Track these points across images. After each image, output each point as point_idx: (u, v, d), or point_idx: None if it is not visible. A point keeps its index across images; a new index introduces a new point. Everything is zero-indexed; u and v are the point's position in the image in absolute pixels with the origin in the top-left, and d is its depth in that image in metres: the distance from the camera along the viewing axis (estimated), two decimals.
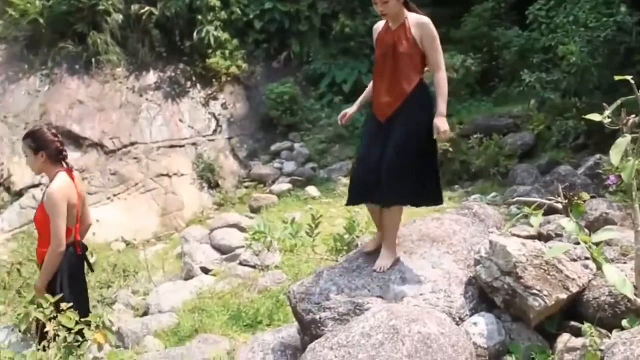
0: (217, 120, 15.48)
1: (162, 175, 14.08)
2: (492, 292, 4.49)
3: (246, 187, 14.30)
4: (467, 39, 15.23)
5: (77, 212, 4.89)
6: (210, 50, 15.66)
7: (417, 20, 4.84)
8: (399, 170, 4.81)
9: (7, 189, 13.68)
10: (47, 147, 4.85)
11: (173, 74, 15.79)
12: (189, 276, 9.27)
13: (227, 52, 15.74)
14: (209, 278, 8.80)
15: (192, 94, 15.65)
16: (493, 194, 11.08)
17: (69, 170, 4.92)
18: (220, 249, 10.42)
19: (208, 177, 14.36)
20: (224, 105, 15.71)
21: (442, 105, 4.75)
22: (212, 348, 5.99)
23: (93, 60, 15.36)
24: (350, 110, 5.28)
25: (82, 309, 4.44)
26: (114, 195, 13.59)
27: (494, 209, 6.12)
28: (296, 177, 13.75)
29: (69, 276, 4.68)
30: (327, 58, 16.37)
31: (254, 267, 8.63)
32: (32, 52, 15.75)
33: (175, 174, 14.20)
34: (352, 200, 5.12)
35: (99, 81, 15.35)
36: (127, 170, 13.89)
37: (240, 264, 8.94)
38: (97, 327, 3.40)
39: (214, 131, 15.34)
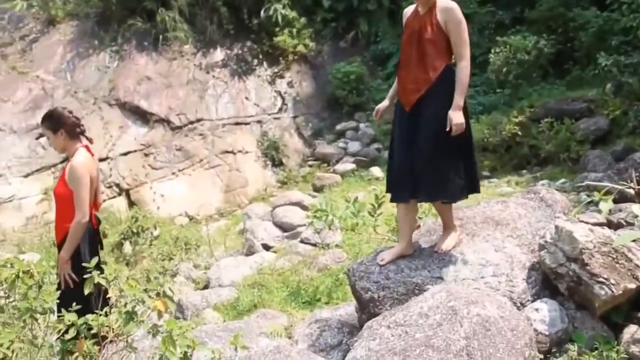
0: (283, 98, 15.44)
1: (227, 152, 14.13)
2: (556, 278, 4.34)
3: (310, 166, 14.25)
4: (542, 20, 14.72)
5: (95, 187, 4.95)
6: (277, 29, 15.59)
7: (444, 5, 4.66)
8: (431, 164, 4.65)
9: None
10: (64, 123, 4.92)
11: (240, 52, 15.79)
12: (250, 252, 9.28)
13: (294, 30, 15.64)
14: (269, 255, 8.78)
15: (258, 72, 15.64)
16: (562, 180, 10.73)
17: (88, 147, 4.98)
18: (282, 227, 10.39)
19: (272, 155, 14.36)
20: (290, 84, 15.65)
21: (459, 97, 4.58)
22: (270, 323, 6.02)
23: (161, 37, 15.47)
24: (383, 104, 5.09)
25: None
26: (179, 170, 13.71)
27: (563, 195, 5.87)
28: (361, 157, 13.61)
29: (89, 249, 4.74)
30: (395, 38, 16.04)
31: (314, 245, 8.57)
32: (102, 29, 16.00)
33: (240, 151, 14.24)
34: (396, 198, 5.00)
35: (167, 58, 15.48)
36: (192, 146, 13.98)
37: (301, 241, 8.89)
38: (157, 295, 3.36)
39: (280, 109, 15.30)
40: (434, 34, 4.63)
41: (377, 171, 12.87)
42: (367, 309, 4.81)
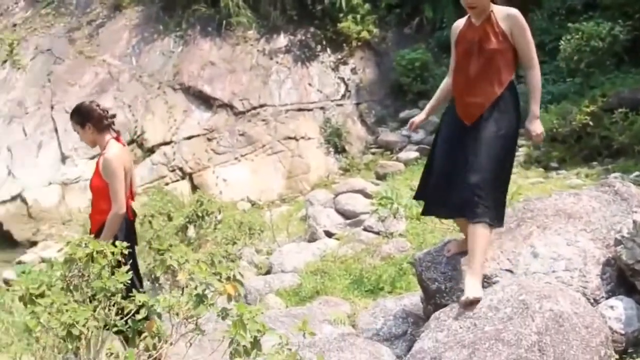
0: (347, 85, 15.34)
1: (290, 138, 14.14)
2: (633, 275, 4.18)
3: (373, 154, 14.14)
4: (617, 5, 14.19)
5: (130, 179, 5.00)
6: (341, 15, 15.47)
7: (505, 12, 4.36)
8: (491, 181, 4.34)
9: (140, 146, 14.16)
10: (91, 117, 4.92)
11: (303, 38, 15.75)
12: (312, 239, 9.24)
13: (358, 16, 15.50)
14: (332, 242, 8.73)
15: (322, 58, 15.57)
16: (637, 173, 10.38)
17: (118, 138, 5.00)
18: (345, 214, 10.32)
19: (335, 141, 14.29)
20: (353, 71, 15.54)
21: (535, 107, 4.35)
22: (333, 310, 5.99)
23: (225, 22, 15.54)
24: (419, 118, 4.88)
25: (136, 273, 4.71)
26: (242, 155, 13.79)
27: (639, 189, 5.66)
28: (424, 145, 13.41)
29: (126, 239, 4.48)
30: None
31: (377, 233, 8.47)
32: (167, 14, 16.17)
33: (302, 137, 14.23)
34: (428, 211, 4.85)
35: (230, 43, 15.55)
36: (255, 131, 14.04)
37: (365, 229, 8.79)
38: (228, 279, 3.36)
39: (343, 96, 15.21)
40: (500, 44, 4.34)
41: None
42: (434, 300, 4.72)
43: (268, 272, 8.12)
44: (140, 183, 13.56)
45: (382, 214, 7.84)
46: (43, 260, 11.44)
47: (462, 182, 4.36)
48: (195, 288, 3.45)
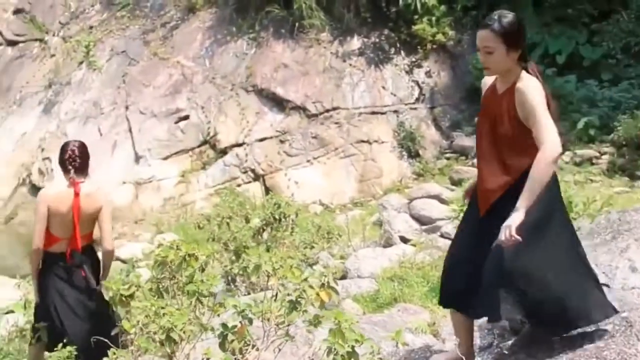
0: (421, 88, 15.10)
1: (363, 141, 13.98)
2: None
3: (447, 159, 13.88)
4: None
5: (73, 222, 5.08)
6: (416, 17, 15.22)
7: (519, 85, 3.58)
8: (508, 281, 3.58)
9: (213, 147, 14.23)
10: (60, 157, 5.26)
11: (377, 40, 15.57)
12: (387, 244, 9.10)
13: (433, 18, 15.23)
14: (408, 248, 8.55)
15: (395, 61, 15.37)
16: None
17: (73, 183, 5.11)
18: (420, 220, 10.17)
19: (409, 146, 14.08)
20: (428, 74, 15.28)
21: (525, 199, 3.43)
22: (413, 318, 5.80)
23: (297, 24, 15.50)
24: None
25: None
26: (314, 158, 13.70)
27: None
28: None
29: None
30: (540, 27, 15.34)
31: None
32: (240, 16, 16.21)
33: (375, 141, 14.05)
34: (444, 302, 4.31)
35: (304, 45, 15.49)
36: (328, 134, 13.92)
37: (442, 236, 8.62)
38: (322, 285, 3.25)
39: (417, 100, 14.98)
40: (511, 128, 3.63)
41: None
42: None
43: (343, 277, 7.97)
44: (212, 184, 13.65)
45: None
46: (117, 259, 11.52)
47: (474, 279, 3.73)
48: (288, 294, 3.37)
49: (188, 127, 14.58)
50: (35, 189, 14.78)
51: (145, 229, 12.98)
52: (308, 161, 13.64)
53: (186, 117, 14.73)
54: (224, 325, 3.24)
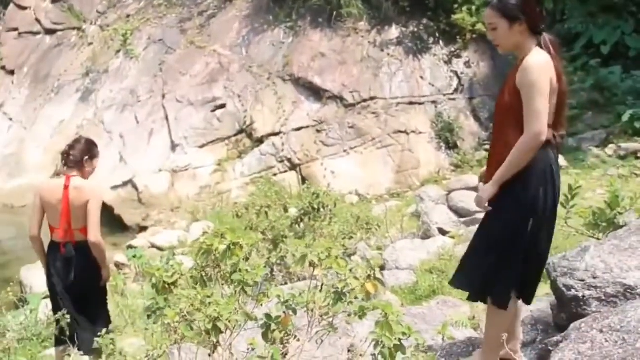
0: (460, 79, 14.89)
1: (400, 132, 13.83)
2: None
3: (486, 150, 13.64)
4: None
5: (60, 212, 5.39)
6: (456, 6, 15.02)
7: (525, 61, 3.65)
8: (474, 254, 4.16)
9: (250, 136, 14.19)
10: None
11: (416, 30, 15.39)
12: (426, 236, 9.00)
13: (473, 8, 14.99)
14: (447, 240, 8.45)
15: (434, 51, 15.18)
16: None
17: (66, 177, 5.45)
18: (458, 212, 10.02)
19: (447, 137, 13.90)
20: (467, 64, 15.07)
21: (499, 173, 3.72)
22: (453, 311, 5.81)
23: (335, 13, 15.39)
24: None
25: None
26: (351, 148, 13.59)
27: None
28: None
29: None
30: (584, 16, 15.02)
31: None
32: (277, 5, 16.16)
33: (413, 131, 13.89)
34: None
35: (341, 35, 15.36)
36: (365, 124, 13.80)
37: None
38: (368, 277, 3.19)
39: (455, 90, 14.77)
40: (510, 99, 3.72)
41: (560, 160, 12.10)
42: (569, 308, 4.42)
43: (381, 268, 7.91)
44: (248, 173, 13.62)
45: None
46: (153, 246, 11.58)
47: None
48: (334, 285, 3.30)
49: (224, 116, 14.56)
50: None
51: (181, 216, 12.99)
52: (345, 151, 13.53)
53: (223, 106, 14.71)
54: (268, 315, 3.18)
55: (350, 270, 3.37)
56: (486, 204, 3.91)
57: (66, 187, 5.34)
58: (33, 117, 16.63)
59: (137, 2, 18.03)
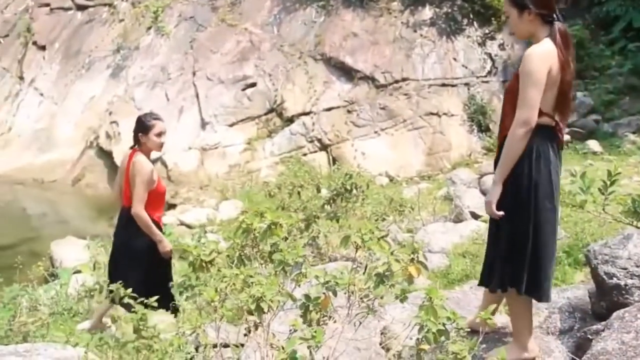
0: (493, 61, 14.65)
1: (432, 114, 13.65)
2: None
3: None
4: None
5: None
6: None
7: (527, 51, 3.68)
8: (494, 246, 4.00)
9: (280, 115, 14.12)
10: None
11: (449, 11, 15.16)
12: (458, 219, 8.87)
13: None
14: (479, 223, 8.31)
15: (468, 32, 14.94)
16: None
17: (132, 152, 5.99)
18: None
19: (479, 119, 13.70)
20: (501, 46, 14.81)
21: (498, 172, 3.75)
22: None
23: None
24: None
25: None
26: (382, 129, 13.45)
27: None
28: (576, 128, 12.61)
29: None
30: None
31: None
32: None
33: (445, 113, 13.71)
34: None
35: (373, 15, 15.20)
36: (396, 105, 13.65)
37: None
38: (411, 260, 3.12)
39: (489, 73, 14.53)
40: (513, 84, 3.79)
41: (594, 145, 11.88)
42: (609, 297, 4.34)
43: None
44: (278, 152, 13.56)
45: None
46: (182, 223, 11.59)
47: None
48: (376, 267, 3.24)
49: (255, 95, 14.50)
50: (102, 152, 14.98)
51: (210, 194, 12.98)
52: (375, 132, 13.40)
53: (253, 85, 14.64)
54: (307, 296, 3.12)
55: (392, 253, 3.30)
56: (494, 208, 3.77)
57: (128, 161, 5.95)
58: (64, 93, 16.70)
59: None
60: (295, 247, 3.14)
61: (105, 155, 14.81)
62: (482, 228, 8.04)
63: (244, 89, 14.67)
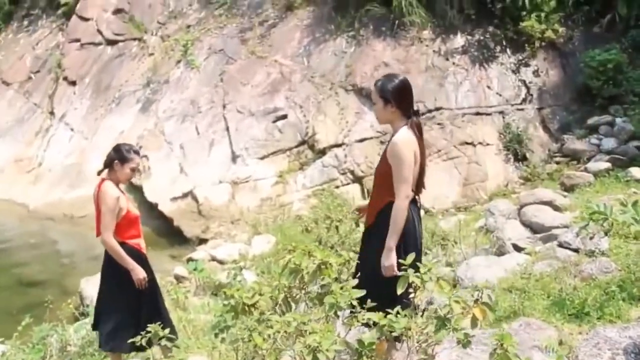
0: (528, 88, 14.34)
1: (467, 143, 13.36)
2: None
3: (557, 163, 13.06)
4: None
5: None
6: (524, 13, 14.48)
7: (393, 138, 4.59)
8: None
9: (312, 147, 13.93)
10: None
11: (482, 38, 14.94)
12: (500, 252, 8.54)
13: (542, 14, 14.43)
14: (523, 257, 7.97)
15: (501, 59, 14.68)
16: None
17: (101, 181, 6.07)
18: (532, 227, 9.51)
19: (515, 148, 13.36)
20: (536, 73, 14.52)
21: (390, 239, 4.40)
22: (538, 335, 5.40)
23: (397, 22, 15.09)
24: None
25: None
26: None
27: None
28: (617, 155, 12.25)
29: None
30: None
31: (576, 251, 7.63)
32: (339, 14, 15.96)
33: (480, 143, 13.41)
34: None
35: (404, 44, 15.05)
36: (430, 135, 13.35)
37: (560, 245, 7.97)
38: (475, 301, 2.87)
39: (524, 100, 14.22)
40: (384, 168, 4.59)
41: (637, 172, 11.48)
42: None
43: (454, 286, 7.50)
44: (310, 185, 13.35)
45: (585, 230, 7.01)
46: (213, 259, 11.37)
47: None
48: (436, 310, 2.97)
49: (286, 127, 14.32)
50: (132, 187, 14.85)
51: (242, 229, 12.78)
52: None
53: (284, 117, 14.48)
54: (361, 342, 2.85)
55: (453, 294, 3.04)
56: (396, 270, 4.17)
57: (97, 190, 5.99)
58: (94, 128, 16.70)
59: (198, 12, 18.03)
60: (347, 289, 2.87)
61: (136, 190, 14.69)
62: (524, 262, 7.74)
63: (274, 121, 14.51)
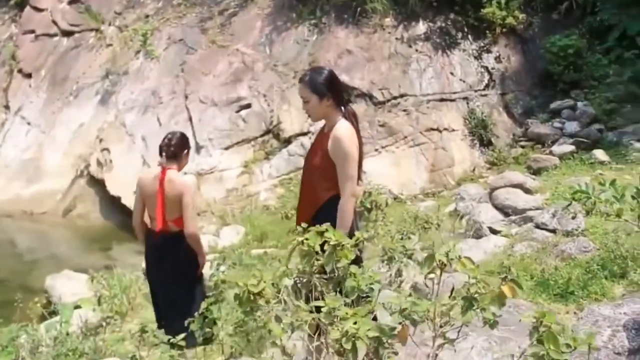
0: (491, 74, 14.44)
1: (432, 129, 13.37)
2: None
3: (522, 147, 13.19)
4: None
5: (156, 204, 5.68)
6: (484, 0, 14.58)
7: (335, 132, 4.42)
8: None
9: (277, 136, 13.81)
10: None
11: (444, 25, 14.96)
12: (477, 235, 8.58)
13: (502, 1, 14.54)
14: (502, 239, 8.03)
15: (463, 46, 14.74)
16: None
17: (163, 170, 5.73)
18: (504, 210, 9.59)
19: (480, 134, 13.44)
20: (497, 59, 14.62)
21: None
22: (527, 315, 5.38)
23: (359, 9, 15.04)
24: None
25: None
26: (382, 147, 13.15)
27: None
28: (580, 138, 12.43)
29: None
30: (616, 7, 14.52)
31: (553, 231, 7.69)
32: (300, 2, 15.88)
33: (445, 129, 13.44)
34: None
35: (367, 31, 14.99)
36: (396, 122, 13.35)
37: (537, 227, 8.03)
38: (504, 278, 2.79)
39: (487, 86, 14.32)
40: (321, 162, 4.47)
41: (600, 154, 11.67)
42: None
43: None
44: (276, 174, 13.23)
45: (571, 209, 7.07)
46: None
47: None
48: (467, 289, 2.89)
49: (250, 116, 14.16)
50: (93, 181, 14.57)
51: (209, 220, 12.62)
52: (376, 150, 13.09)
53: (248, 106, 14.31)
54: (381, 328, 2.76)
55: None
56: None
57: (162, 180, 5.60)
58: (51, 121, 16.28)
59: (156, 1, 17.71)
60: (371, 273, 2.78)
61: (97, 184, 14.41)
62: (502, 244, 7.78)
63: (238, 111, 14.34)
